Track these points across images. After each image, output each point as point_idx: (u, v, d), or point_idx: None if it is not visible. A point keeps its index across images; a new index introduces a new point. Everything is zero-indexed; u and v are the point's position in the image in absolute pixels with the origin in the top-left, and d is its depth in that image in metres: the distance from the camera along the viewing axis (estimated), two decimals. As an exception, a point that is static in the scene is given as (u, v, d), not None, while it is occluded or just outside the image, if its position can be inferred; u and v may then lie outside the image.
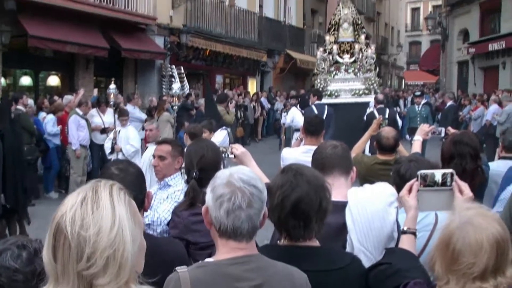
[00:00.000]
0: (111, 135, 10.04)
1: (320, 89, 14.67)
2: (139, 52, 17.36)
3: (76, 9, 14.93)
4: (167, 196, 4.19)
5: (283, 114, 14.88)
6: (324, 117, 10.87)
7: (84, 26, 15.66)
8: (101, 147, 12.21)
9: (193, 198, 3.32)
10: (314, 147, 5.20)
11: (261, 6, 26.62)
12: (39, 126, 11.46)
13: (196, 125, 7.65)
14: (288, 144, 13.64)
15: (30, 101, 12.00)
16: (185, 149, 3.81)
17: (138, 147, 9.78)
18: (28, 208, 8.26)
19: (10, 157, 7.25)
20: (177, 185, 4.25)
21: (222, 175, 2.02)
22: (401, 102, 24.15)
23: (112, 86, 10.67)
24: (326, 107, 11.75)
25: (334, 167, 2.94)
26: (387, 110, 12.05)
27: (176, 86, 11.27)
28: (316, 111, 11.03)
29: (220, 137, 8.07)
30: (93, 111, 12.18)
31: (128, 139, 9.76)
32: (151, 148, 7.67)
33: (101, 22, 16.53)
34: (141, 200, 2.60)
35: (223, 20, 22.02)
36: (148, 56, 17.88)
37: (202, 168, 3.36)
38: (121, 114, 10.41)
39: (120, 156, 9.66)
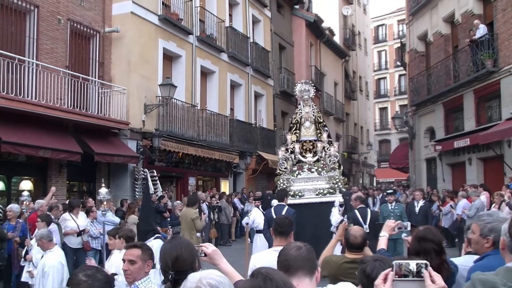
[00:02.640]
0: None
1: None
2: (112, 156, 17.44)
3: (49, 115, 15.13)
4: (138, 300, 4.20)
5: (248, 215, 14.30)
6: None
7: (57, 131, 15.82)
8: (76, 250, 12.18)
9: None
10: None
11: (232, 109, 27.22)
12: (25, 231, 11.42)
13: (129, 229, 7.66)
14: (251, 246, 12.99)
15: (16, 206, 11.90)
16: (161, 248, 3.82)
17: None
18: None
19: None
20: None
21: (192, 278, 2.08)
22: (370, 200, 23.72)
23: (25, 193, 10.65)
24: (286, 208, 11.20)
25: (298, 268, 3.00)
26: (369, 211, 11.39)
27: (103, 191, 10.38)
28: (273, 214, 10.64)
29: (154, 245, 7.38)
30: (66, 215, 12.20)
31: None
32: (44, 257, 7.61)
33: (74, 127, 16.72)
34: None
35: (195, 123, 22.39)
36: (121, 160, 17.95)
37: (178, 270, 3.36)
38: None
39: (31, 265, 9.45)
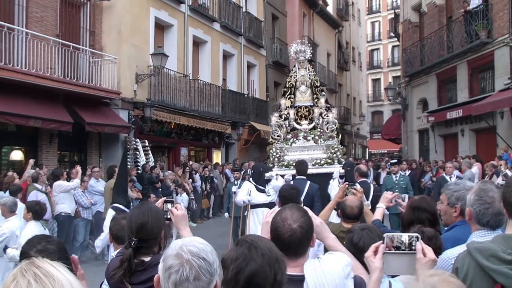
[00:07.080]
0: None
1: (276, 159, 13.15)
2: (103, 126, 17.30)
3: (39, 84, 14.97)
4: None
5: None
6: (303, 195, 9.35)
7: (48, 101, 15.65)
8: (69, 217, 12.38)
9: (127, 268, 3.21)
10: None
11: (224, 79, 27.06)
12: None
13: None
14: (247, 223, 11.67)
15: None
16: (128, 213, 3.76)
17: None
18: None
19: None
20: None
21: (174, 245, 2.05)
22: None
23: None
24: (308, 183, 9.93)
25: (292, 252, 2.77)
26: (371, 186, 10.20)
27: None
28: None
29: (107, 216, 7.45)
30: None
31: None
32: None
33: (65, 97, 16.55)
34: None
35: (187, 93, 22.26)
36: (112, 130, 17.82)
37: (141, 237, 3.26)
38: None
39: None
